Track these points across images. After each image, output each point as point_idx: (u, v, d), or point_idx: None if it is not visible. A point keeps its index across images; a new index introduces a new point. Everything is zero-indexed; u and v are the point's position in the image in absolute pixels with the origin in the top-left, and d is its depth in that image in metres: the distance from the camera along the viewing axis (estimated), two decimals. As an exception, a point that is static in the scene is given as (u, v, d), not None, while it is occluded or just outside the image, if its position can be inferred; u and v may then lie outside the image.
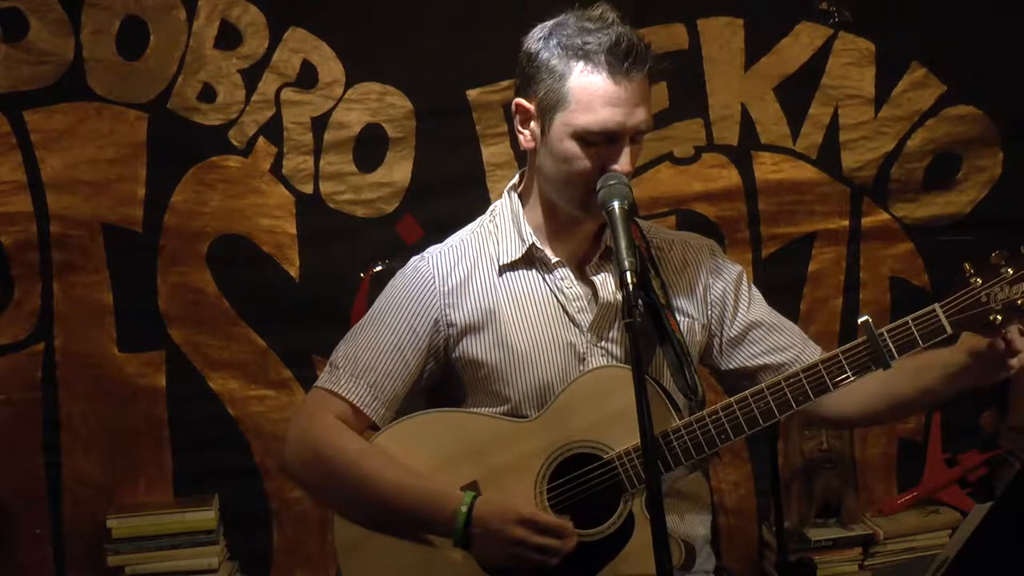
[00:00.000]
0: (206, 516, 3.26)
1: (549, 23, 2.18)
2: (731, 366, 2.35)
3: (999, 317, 2.01)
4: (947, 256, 3.43)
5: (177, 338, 3.34)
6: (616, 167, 2.11)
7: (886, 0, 3.46)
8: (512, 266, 2.25)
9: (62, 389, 3.31)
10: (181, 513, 3.26)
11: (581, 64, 2.12)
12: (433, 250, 2.31)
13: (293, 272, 3.36)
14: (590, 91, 2.11)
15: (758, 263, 3.48)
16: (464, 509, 2.09)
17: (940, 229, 3.53)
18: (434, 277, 2.25)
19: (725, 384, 2.45)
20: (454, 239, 2.33)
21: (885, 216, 3.53)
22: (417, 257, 2.31)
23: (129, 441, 3.35)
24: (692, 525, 2.27)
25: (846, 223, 3.52)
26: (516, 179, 2.33)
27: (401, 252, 3.24)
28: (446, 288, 2.24)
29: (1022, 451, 3.49)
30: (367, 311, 2.32)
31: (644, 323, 2.16)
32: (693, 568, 2.23)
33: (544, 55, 2.15)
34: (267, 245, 3.35)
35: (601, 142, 2.12)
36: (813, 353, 2.30)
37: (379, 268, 3.34)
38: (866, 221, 3.52)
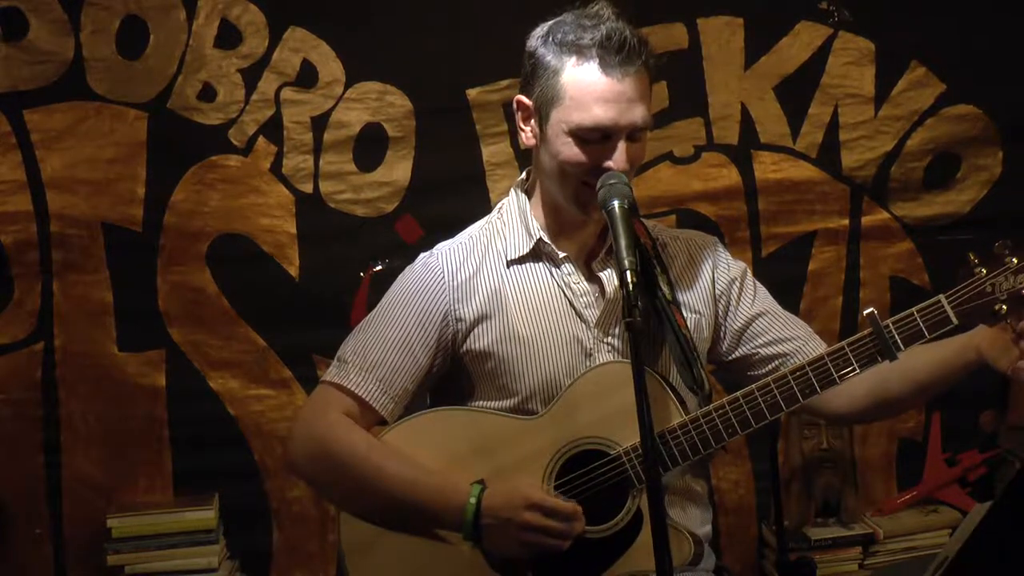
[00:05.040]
0: (206, 515, 3.26)
1: (550, 21, 2.20)
2: (734, 356, 2.35)
3: (1004, 307, 2.01)
4: (947, 255, 3.42)
5: (177, 337, 3.34)
6: (610, 164, 2.11)
7: (886, -1, 3.47)
8: (520, 260, 2.26)
9: (62, 388, 3.31)
10: (181, 512, 3.26)
11: (574, 59, 2.12)
12: (442, 246, 2.32)
13: (293, 271, 3.36)
14: (582, 87, 2.11)
15: (758, 262, 3.48)
16: (473, 501, 2.10)
17: (940, 228, 3.53)
18: (443, 272, 2.25)
19: (728, 377, 2.46)
20: (463, 235, 2.33)
21: (885, 215, 3.53)
22: (426, 253, 2.31)
23: (129, 440, 3.35)
24: (695, 523, 2.27)
25: (846, 222, 3.52)
26: (523, 176, 2.34)
27: (401, 251, 3.25)
28: (455, 283, 2.24)
29: (1022, 450, 3.49)
30: (368, 310, 2.32)
31: (649, 320, 2.18)
32: (699, 565, 2.24)
33: (541, 52, 2.16)
34: (267, 244, 3.35)
35: (596, 139, 2.12)
36: (817, 346, 2.30)
37: (379, 267, 3.34)
38: (866, 220, 3.52)
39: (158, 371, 3.34)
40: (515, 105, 2.23)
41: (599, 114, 2.10)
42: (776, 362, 2.29)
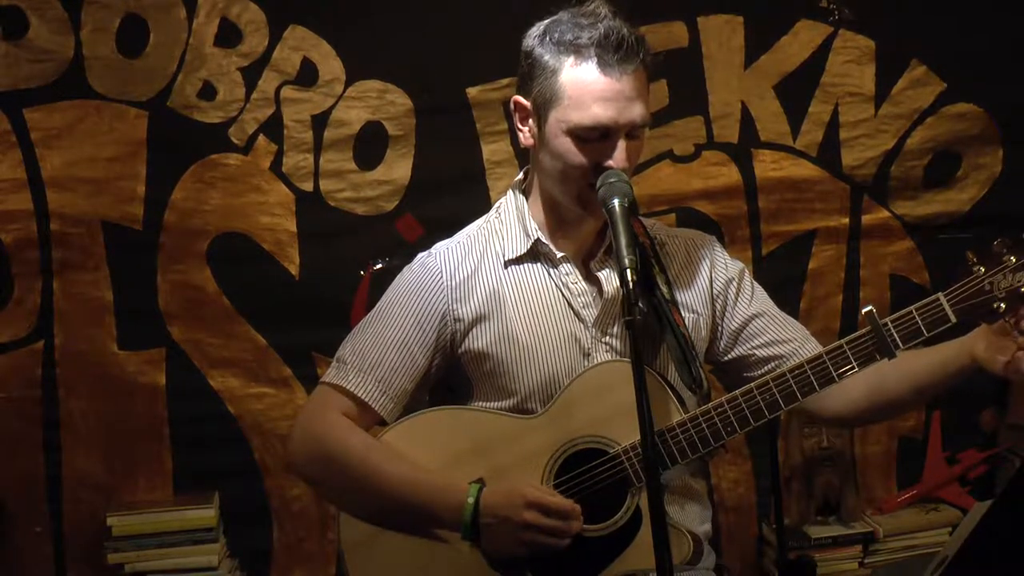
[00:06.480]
0: (206, 514, 3.26)
1: (546, 21, 2.19)
2: (731, 356, 2.35)
3: (1003, 305, 2.01)
4: (947, 254, 3.43)
5: (177, 336, 3.34)
6: (611, 163, 2.11)
7: (886, -3, 3.47)
8: (517, 261, 2.26)
9: (62, 387, 3.31)
10: (181, 511, 3.27)
11: (572, 59, 2.12)
12: (440, 246, 2.31)
13: (293, 270, 3.36)
14: (580, 87, 2.11)
15: (758, 261, 3.49)
16: (471, 500, 2.10)
17: (940, 227, 3.54)
18: (442, 272, 2.25)
19: (725, 377, 2.46)
20: (460, 235, 2.33)
21: (885, 214, 3.53)
22: (424, 253, 2.31)
23: (129, 439, 3.35)
24: (694, 521, 2.27)
25: (846, 221, 3.52)
26: (521, 176, 2.33)
27: (401, 250, 3.25)
28: (453, 283, 2.24)
29: (1022, 449, 3.49)
30: (368, 308, 2.32)
31: (647, 319, 2.18)
32: (699, 563, 2.24)
33: (539, 51, 2.16)
34: (267, 243, 3.35)
35: (594, 138, 2.12)
36: (814, 348, 2.30)
37: (379, 266, 3.34)
38: (866, 219, 3.53)
39: (158, 370, 3.34)
40: (512, 105, 2.23)
41: (598, 113, 2.10)
42: (772, 364, 2.29)
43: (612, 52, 2.09)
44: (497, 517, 2.09)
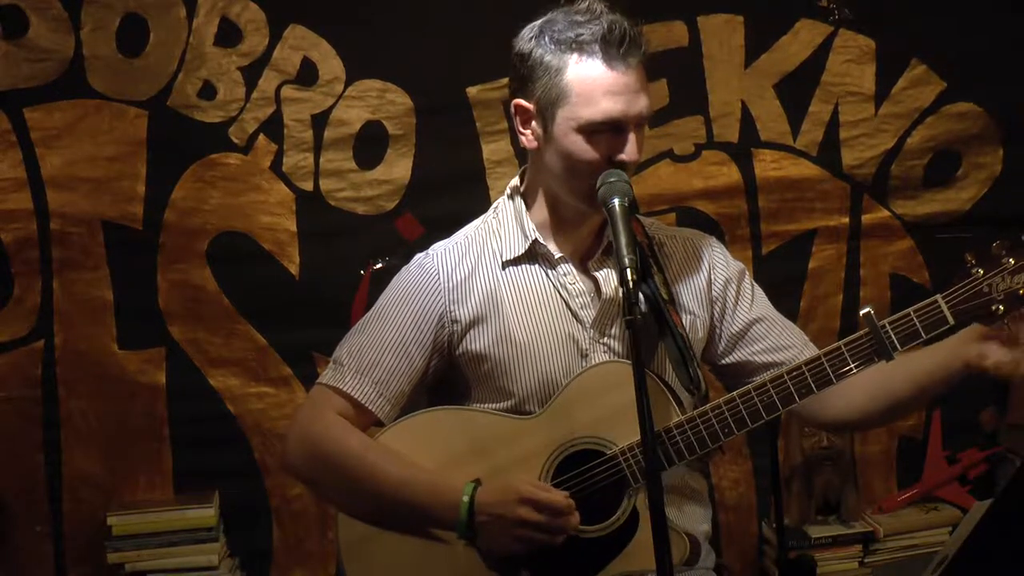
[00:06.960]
0: (206, 513, 3.26)
1: (538, 22, 2.17)
2: (728, 361, 2.34)
3: (1001, 307, 2.01)
4: (947, 253, 3.43)
5: (177, 335, 3.34)
6: (623, 156, 2.11)
7: (886, -3, 3.47)
8: (515, 261, 2.25)
9: (62, 386, 3.30)
10: (181, 510, 3.27)
11: (576, 56, 2.11)
12: (438, 247, 2.31)
13: (293, 269, 3.36)
14: (588, 82, 2.10)
15: (758, 260, 3.48)
16: (466, 499, 2.10)
17: (940, 226, 3.53)
18: (439, 273, 2.25)
19: (721, 381, 2.45)
20: (458, 236, 2.32)
21: (885, 213, 3.53)
22: (422, 254, 2.31)
23: (129, 438, 3.35)
24: (693, 521, 2.27)
25: (846, 220, 3.52)
26: (517, 180, 2.32)
27: (401, 249, 3.25)
28: (450, 284, 2.24)
29: (1022, 448, 3.49)
30: (368, 308, 2.32)
31: (645, 319, 2.17)
32: (697, 564, 2.24)
33: (538, 52, 2.14)
34: (267, 242, 3.35)
35: (606, 132, 2.12)
36: (811, 355, 2.29)
37: (379, 265, 3.34)
38: (866, 218, 3.53)
39: (158, 369, 3.34)
40: (512, 109, 2.21)
41: (609, 107, 2.09)
42: (770, 370, 2.27)
43: (616, 46, 2.09)
44: (492, 515, 2.09)
